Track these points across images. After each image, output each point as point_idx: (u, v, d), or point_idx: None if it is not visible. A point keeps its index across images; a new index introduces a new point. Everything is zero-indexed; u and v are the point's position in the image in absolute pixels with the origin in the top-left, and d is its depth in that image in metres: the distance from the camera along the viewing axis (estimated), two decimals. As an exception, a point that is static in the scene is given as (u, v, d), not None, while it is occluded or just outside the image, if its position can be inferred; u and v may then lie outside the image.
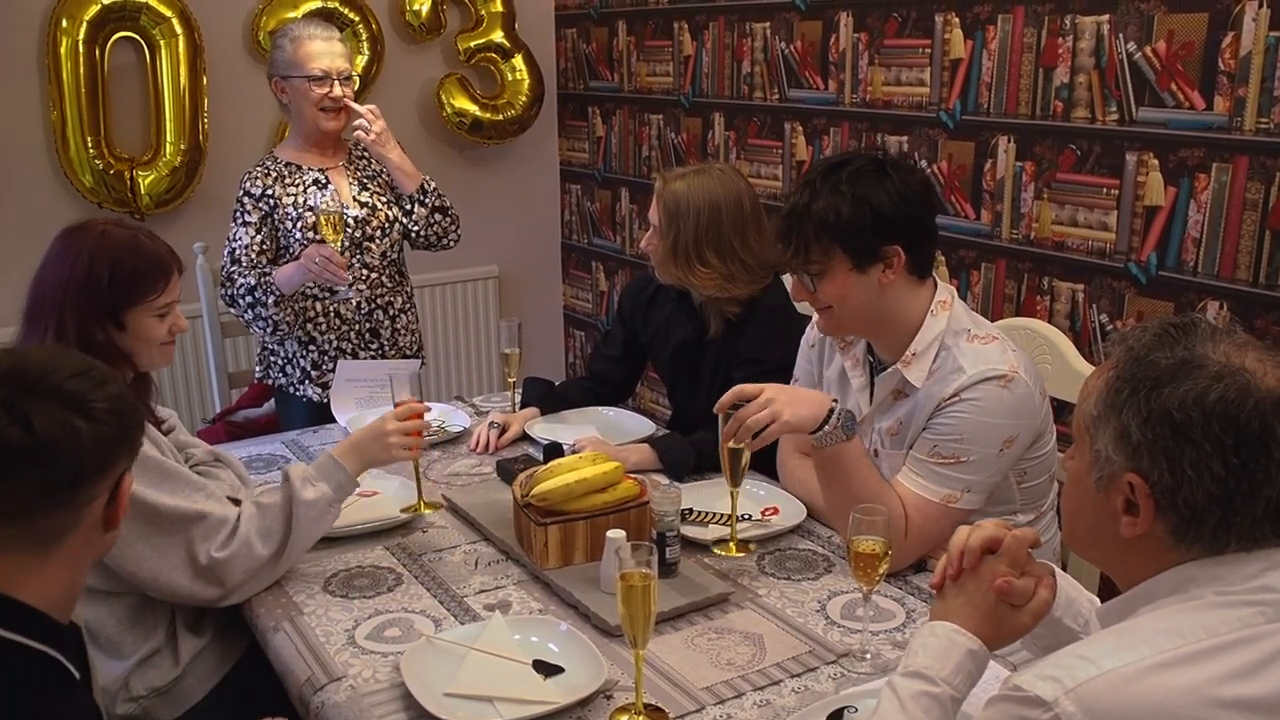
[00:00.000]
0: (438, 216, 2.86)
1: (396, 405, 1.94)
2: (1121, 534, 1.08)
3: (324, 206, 2.63)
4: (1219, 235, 2.31)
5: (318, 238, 2.69)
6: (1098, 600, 1.35)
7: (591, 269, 4.44)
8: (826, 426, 1.75)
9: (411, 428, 1.90)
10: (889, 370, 1.89)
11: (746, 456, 1.83)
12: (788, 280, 2.05)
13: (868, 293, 1.82)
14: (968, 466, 1.79)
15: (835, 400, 1.78)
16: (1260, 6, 2.17)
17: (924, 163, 2.93)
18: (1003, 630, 1.23)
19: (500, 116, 4.10)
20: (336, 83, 2.70)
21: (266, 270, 2.69)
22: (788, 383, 2.13)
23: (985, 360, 1.80)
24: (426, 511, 2.07)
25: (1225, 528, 1.04)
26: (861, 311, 1.85)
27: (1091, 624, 1.30)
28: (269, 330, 2.74)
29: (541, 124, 4.29)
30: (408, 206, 2.83)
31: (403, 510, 2.05)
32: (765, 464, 2.17)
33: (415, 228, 2.85)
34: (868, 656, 1.57)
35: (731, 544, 1.91)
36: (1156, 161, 2.40)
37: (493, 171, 4.30)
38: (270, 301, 2.67)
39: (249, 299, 2.68)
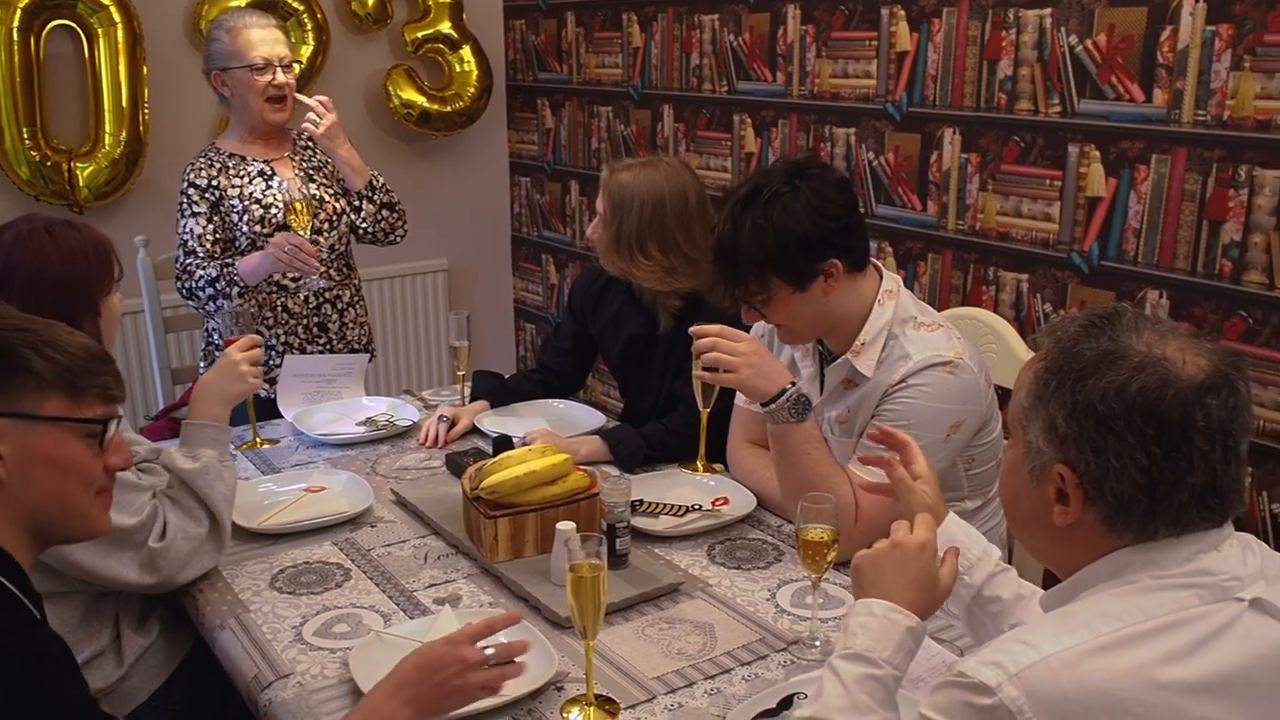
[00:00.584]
0: (385, 212, 2.83)
1: (227, 343, 2.06)
2: (1055, 522, 1.10)
3: (294, 193, 2.59)
4: (1158, 225, 2.36)
5: (265, 231, 2.65)
6: (995, 549, 1.43)
7: (541, 261, 4.42)
8: (773, 405, 1.78)
9: (254, 357, 2.02)
10: (839, 360, 1.91)
11: (715, 390, 2.02)
12: None
13: (815, 305, 1.85)
14: (915, 452, 1.81)
15: (793, 383, 1.80)
16: (1197, 1, 2.22)
17: (871, 154, 2.95)
18: (934, 595, 1.27)
19: (448, 108, 4.07)
20: (279, 70, 2.65)
21: (228, 261, 2.64)
22: None
23: (931, 346, 1.83)
24: (263, 446, 2.33)
25: (1152, 515, 1.05)
26: (814, 322, 1.89)
27: (977, 567, 1.40)
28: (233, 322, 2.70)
29: (490, 116, 4.26)
30: (355, 203, 2.80)
31: (238, 448, 2.26)
32: (717, 454, 2.18)
33: (363, 224, 2.82)
34: (817, 644, 1.59)
35: (699, 464, 2.17)
36: (1098, 153, 2.44)
37: (441, 164, 4.26)
38: (234, 293, 2.62)
39: (210, 290, 2.62)
